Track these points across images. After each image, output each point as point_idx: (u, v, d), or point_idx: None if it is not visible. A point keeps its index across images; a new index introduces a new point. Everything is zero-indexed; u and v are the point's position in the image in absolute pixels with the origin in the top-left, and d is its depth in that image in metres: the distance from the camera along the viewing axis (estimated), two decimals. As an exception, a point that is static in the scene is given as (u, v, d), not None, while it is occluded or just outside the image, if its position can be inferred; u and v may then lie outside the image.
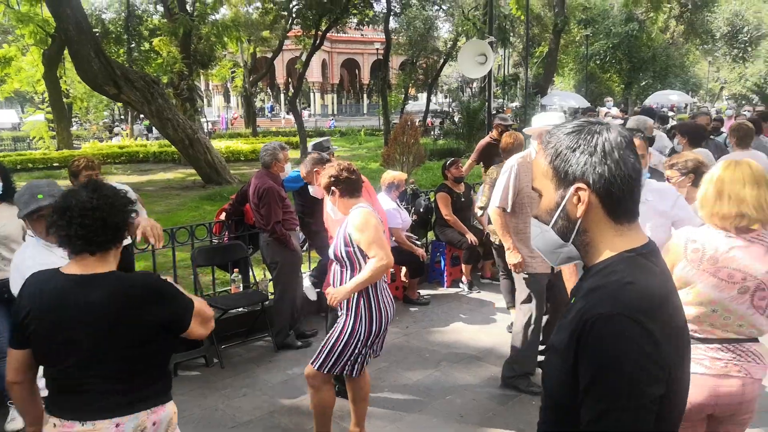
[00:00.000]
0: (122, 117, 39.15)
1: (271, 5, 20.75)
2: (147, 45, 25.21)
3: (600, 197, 1.16)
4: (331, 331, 3.19)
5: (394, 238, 5.69)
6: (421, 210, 6.57)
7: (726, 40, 34.17)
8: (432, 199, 6.56)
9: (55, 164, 18.63)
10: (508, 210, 3.94)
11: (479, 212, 4.58)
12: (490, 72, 8.43)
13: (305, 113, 42.97)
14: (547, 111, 24.49)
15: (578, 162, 1.16)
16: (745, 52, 33.77)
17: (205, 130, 31.99)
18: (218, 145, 22.59)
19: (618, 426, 1.04)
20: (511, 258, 3.92)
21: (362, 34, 32.77)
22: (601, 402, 1.06)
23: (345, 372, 3.17)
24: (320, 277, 5.04)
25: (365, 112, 47.77)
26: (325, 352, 3.12)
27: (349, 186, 3.17)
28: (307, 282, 5.31)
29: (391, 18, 23.54)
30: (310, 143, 5.35)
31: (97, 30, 24.88)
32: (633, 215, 1.20)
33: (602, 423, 1.05)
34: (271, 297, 5.08)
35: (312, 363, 3.18)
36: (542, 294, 3.99)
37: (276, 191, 4.60)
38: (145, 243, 4.43)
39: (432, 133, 26.49)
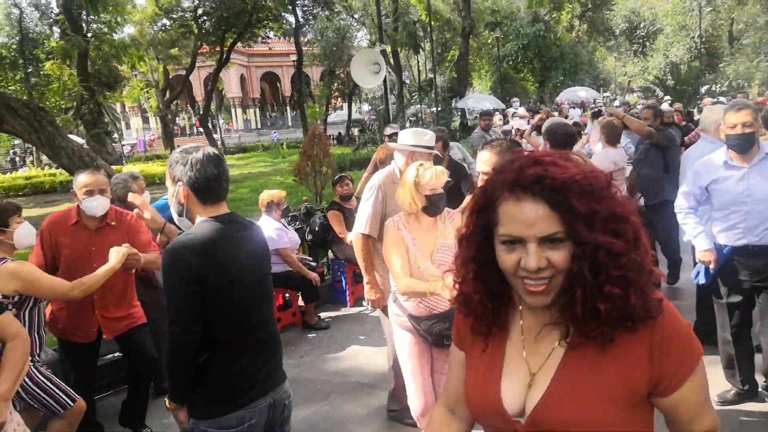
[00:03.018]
0: (29, 147, 36.95)
1: (172, 22, 20.04)
2: (47, 69, 23.85)
3: (191, 190, 1.97)
4: None
5: (283, 259, 5.41)
6: (317, 228, 6.30)
7: (626, 36, 35.92)
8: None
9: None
10: (374, 235, 3.39)
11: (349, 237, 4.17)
12: (385, 81, 8.28)
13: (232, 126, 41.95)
14: (470, 110, 24.85)
15: (179, 170, 1.97)
16: (644, 47, 35.59)
17: (124, 154, 30.61)
18: (134, 168, 21.55)
19: (171, 308, 1.93)
20: (370, 294, 3.46)
21: (269, 47, 32.20)
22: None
23: None
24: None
25: (290, 124, 46.91)
26: None
27: None
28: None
29: (301, 29, 23.27)
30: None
31: (-14, 56, 23.33)
32: (214, 200, 2.00)
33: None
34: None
35: None
36: None
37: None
38: None
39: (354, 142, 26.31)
